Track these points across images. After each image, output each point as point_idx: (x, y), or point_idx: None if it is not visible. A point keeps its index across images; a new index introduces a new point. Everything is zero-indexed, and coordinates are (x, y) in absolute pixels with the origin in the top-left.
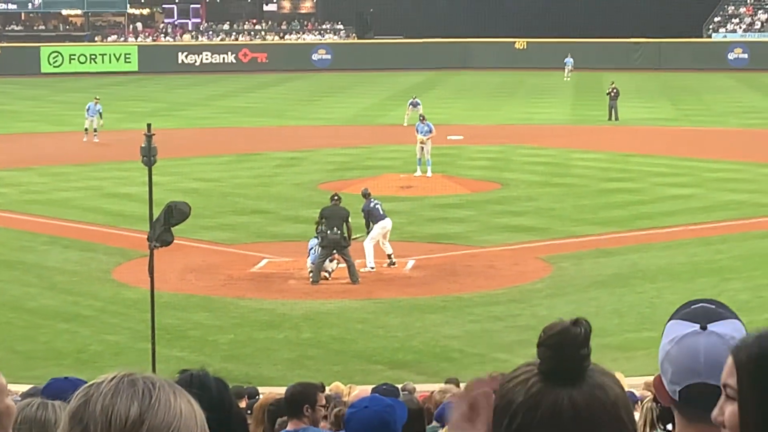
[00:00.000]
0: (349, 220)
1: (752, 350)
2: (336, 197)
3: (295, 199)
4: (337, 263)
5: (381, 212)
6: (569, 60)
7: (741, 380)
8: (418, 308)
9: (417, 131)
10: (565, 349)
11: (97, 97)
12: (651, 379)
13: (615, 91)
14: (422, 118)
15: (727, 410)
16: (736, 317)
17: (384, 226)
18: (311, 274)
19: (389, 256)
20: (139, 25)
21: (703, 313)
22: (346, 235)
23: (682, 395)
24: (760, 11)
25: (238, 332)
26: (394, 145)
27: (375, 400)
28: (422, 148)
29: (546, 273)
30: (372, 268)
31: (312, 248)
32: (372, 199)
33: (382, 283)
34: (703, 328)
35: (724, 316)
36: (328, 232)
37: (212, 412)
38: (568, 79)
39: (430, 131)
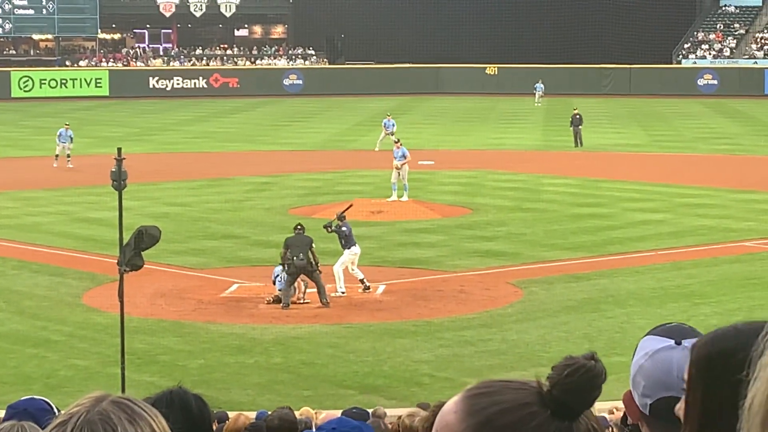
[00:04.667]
0: (313, 246)
1: (701, 348)
2: (299, 227)
3: (265, 224)
4: (306, 285)
5: (353, 238)
6: (539, 86)
7: (690, 375)
8: (388, 333)
9: (394, 156)
10: (590, 389)
11: (67, 123)
12: (619, 404)
13: (578, 117)
14: (397, 144)
15: (681, 404)
16: None
17: (355, 252)
18: (281, 298)
19: (362, 281)
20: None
21: (678, 330)
22: (312, 260)
23: (653, 409)
24: (729, 37)
25: (208, 357)
26: (365, 170)
27: (342, 423)
28: (398, 173)
29: (516, 298)
30: (342, 292)
31: (277, 275)
32: (347, 223)
33: (352, 308)
34: (678, 343)
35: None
36: (294, 258)
37: (194, 429)
38: (539, 104)
39: (404, 156)
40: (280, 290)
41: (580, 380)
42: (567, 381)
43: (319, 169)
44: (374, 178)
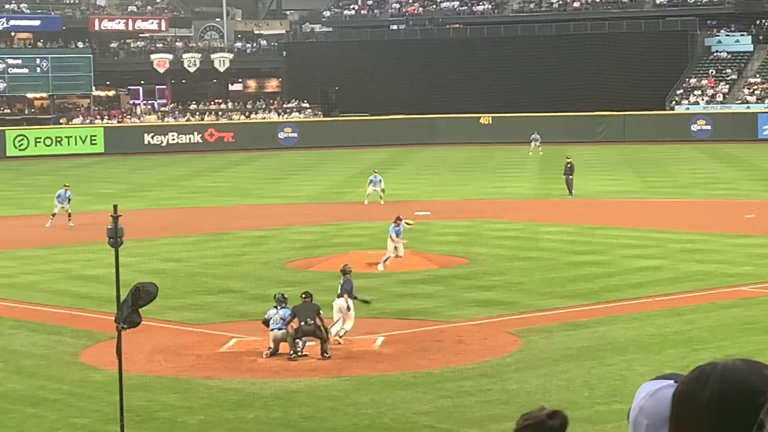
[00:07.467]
0: (321, 313)
1: (678, 387)
2: (305, 295)
3: (263, 278)
4: (305, 343)
5: (340, 290)
6: (536, 136)
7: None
8: (388, 385)
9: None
10: None
11: (67, 184)
12: None
13: (569, 165)
14: (397, 222)
15: None
16: None
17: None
18: (277, 346)
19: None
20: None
21: (676, 375)
22: (321, 326)
23: None
24: (721, 83)
25: (207, 413)
26: (361, 222)
27: None
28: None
29: (515, 347)
30: (344, 332)
31: (270, 318)
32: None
33: (351, 360)
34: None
35: None
36: (303, 324)
37: None
38: (541, 153)
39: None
40: (272, 330)
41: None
42: (518, 429)
43: (315, 221)
44: (370, 229)
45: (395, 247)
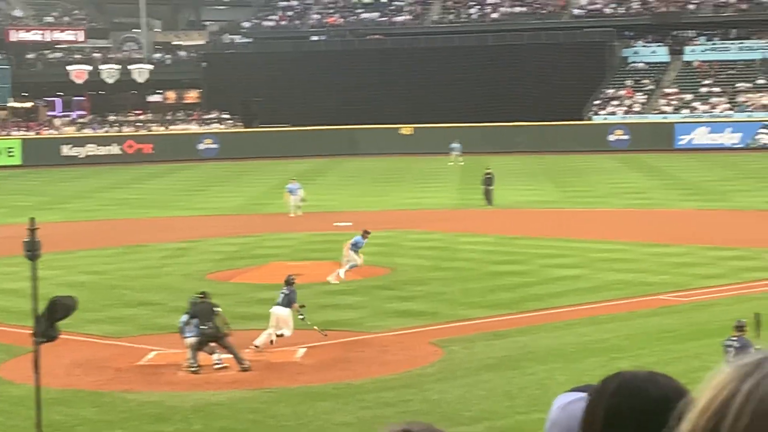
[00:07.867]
0: (217, 310)
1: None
2: (201, 294)
3: (183, 290)
4: (219, 354)
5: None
6: (456, 145)
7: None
8: (309, 396)
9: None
10: None
11: None
12: None
13: (489, 176)
14: (365, 235)
15: None
16: None
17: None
18: (191, 363)
19: (279, 336)
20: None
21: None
22: (218, 325)
23: None
24: (638, 93)
25: (126, 426)
26: (282, 233)
27: None
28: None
29: (437, 357)
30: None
31: (184, 323)
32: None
33: (272, 372)
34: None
35: None
36: (203, 328)
37: None
38: (462, 163)
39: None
40: (187, 338)
41: None
42: None
43: (236, 233)
44: (291, 241)
45: (347, 260)
